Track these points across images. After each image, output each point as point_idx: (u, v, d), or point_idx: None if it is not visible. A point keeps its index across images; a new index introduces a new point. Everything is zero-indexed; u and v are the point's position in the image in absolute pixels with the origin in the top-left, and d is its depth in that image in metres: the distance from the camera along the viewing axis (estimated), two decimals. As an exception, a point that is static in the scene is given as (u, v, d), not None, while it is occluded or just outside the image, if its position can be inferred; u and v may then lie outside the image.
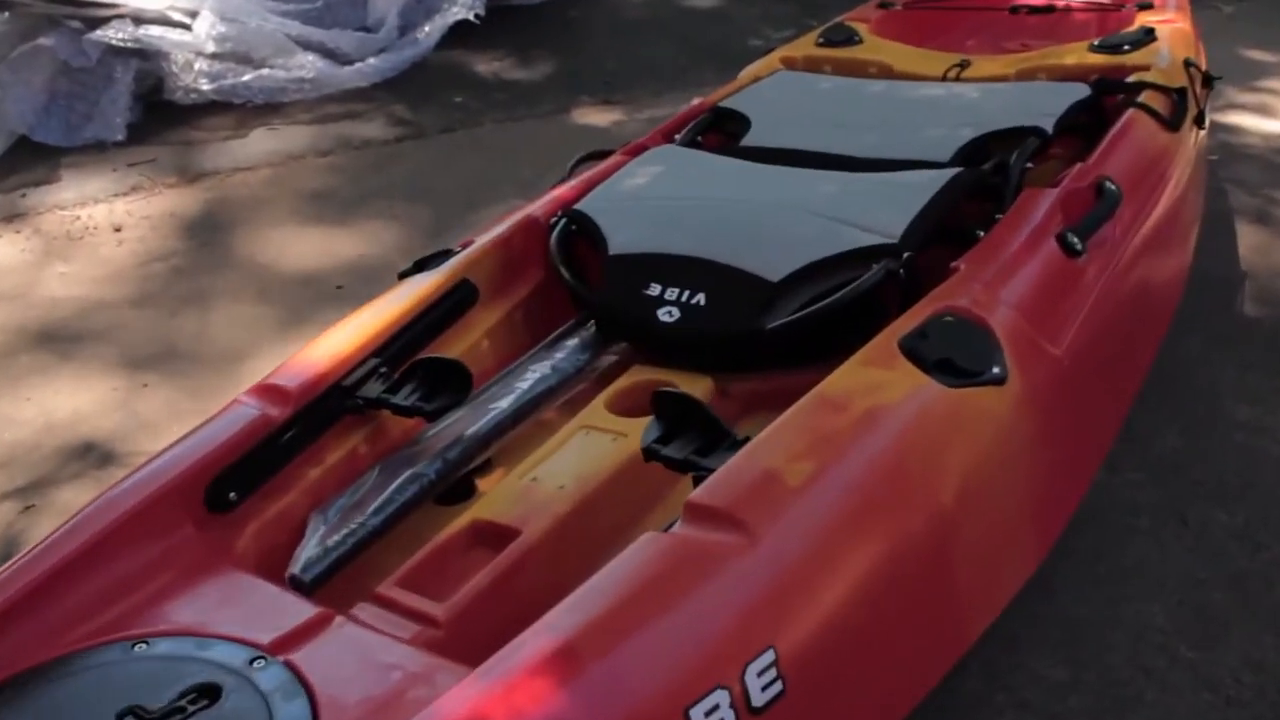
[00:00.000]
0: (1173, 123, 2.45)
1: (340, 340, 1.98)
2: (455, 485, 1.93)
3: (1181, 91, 2.53)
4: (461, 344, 2.14)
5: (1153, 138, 2.39)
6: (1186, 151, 2.48)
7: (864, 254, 1.91)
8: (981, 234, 2.05)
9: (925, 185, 2.06)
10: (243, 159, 3.90)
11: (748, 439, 1.51)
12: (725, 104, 2.75)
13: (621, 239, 2.14)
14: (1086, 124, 2.52)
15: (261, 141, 4.00)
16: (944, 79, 2.90)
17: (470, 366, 2.15)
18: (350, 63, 4.30)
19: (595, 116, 4.16)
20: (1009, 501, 1.64)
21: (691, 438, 1.58)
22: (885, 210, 1.99)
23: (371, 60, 4.29)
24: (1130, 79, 2.61)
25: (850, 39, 3.22)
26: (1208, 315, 2.79)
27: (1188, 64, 2.70)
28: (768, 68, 3.10)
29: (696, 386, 1.95)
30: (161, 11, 4.02)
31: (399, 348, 2.01)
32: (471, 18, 4.43)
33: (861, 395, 1.51)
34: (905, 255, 1.87)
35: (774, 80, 2.92)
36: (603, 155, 2.66)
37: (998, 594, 1.65)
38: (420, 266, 2.23)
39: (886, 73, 3.02)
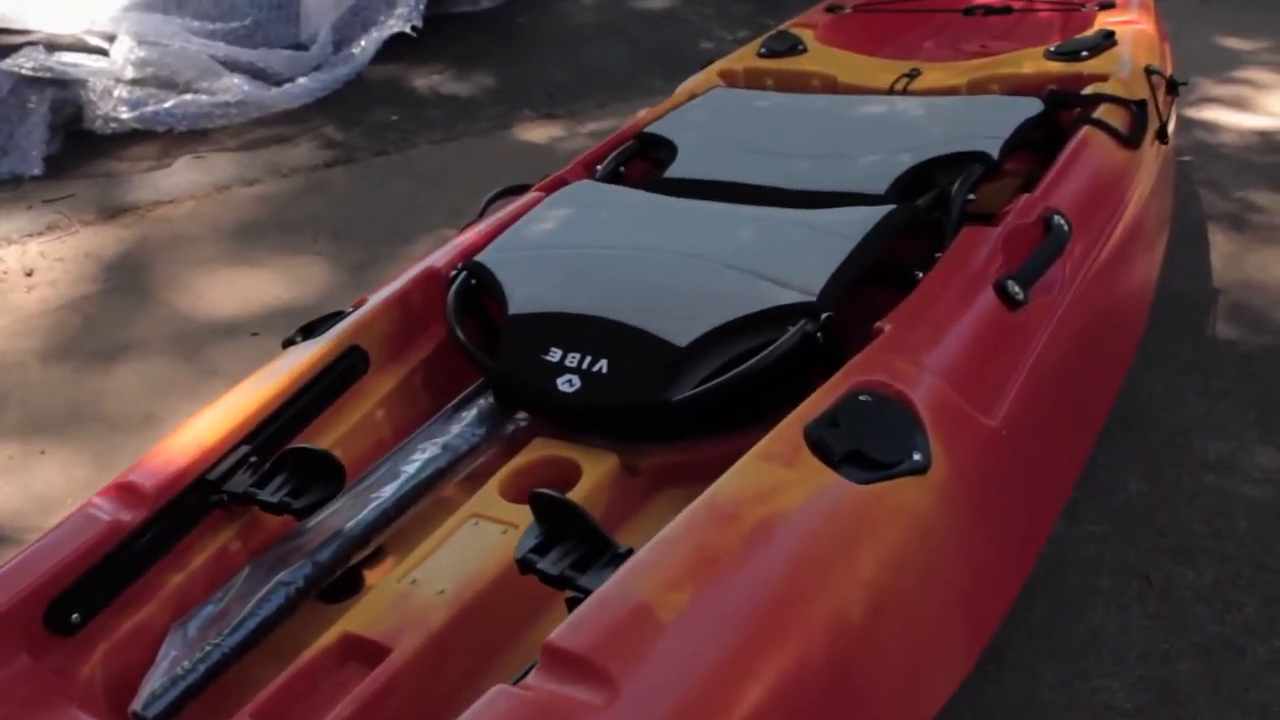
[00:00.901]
0: (1131, 139, 2.25)
1: (208, 426, 1.80)
2: (340, 578, 1.75)
3: (1141, 104, 2.34)
4: (351, 417, 1.95)
5: (1109, 158, 2.20)
6: (1147, 170, 2.28)
7: (778, 314, 1.72)
8: (920, 275, 1.87)
9: (851, 228, 1.87)
10: (165, 191, 3.71)
11: (630, 552, 1.33)
12: (652, 129, 2.55)
13: (522, 296, 1.96)
14: (1040, 139, 2.33)
15: (186, 171, 3.80)
16: (891, 91, 2.70)
17: (363, 440, 1.97)
18: (281, 83, 4.10)
19: (536, 132, 3.96)
20: (934, 604, 1.46)
21: (570, 548, 1.40)
22: (805, 260, 1.80)
23: (302, 80, 4.09)
24: (1087, 90, 2.42)
25: (794, 48, 3.02)
26: (1175, 341, 2.61)
27: (1149, 71, 2.50)
28: (704, 84, 2.91)
29: (601, 464, 1.77)
30: (77, 36, 3.82)
31: (274, 432, 1.82)
32: (409, 30, 4.23)
33: (755, 502, 1.32)
34: (823, 316, 1.69)
35: (708, 99, 2.72)
36: (519, 190, 2.48)
37: (924, 707, 1.47)
38: (308, 332, 2.05)
39: (830, 86, 2.82)
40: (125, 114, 3.83)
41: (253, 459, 1.76)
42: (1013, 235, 1.86)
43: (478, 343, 1.99)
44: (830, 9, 3.40)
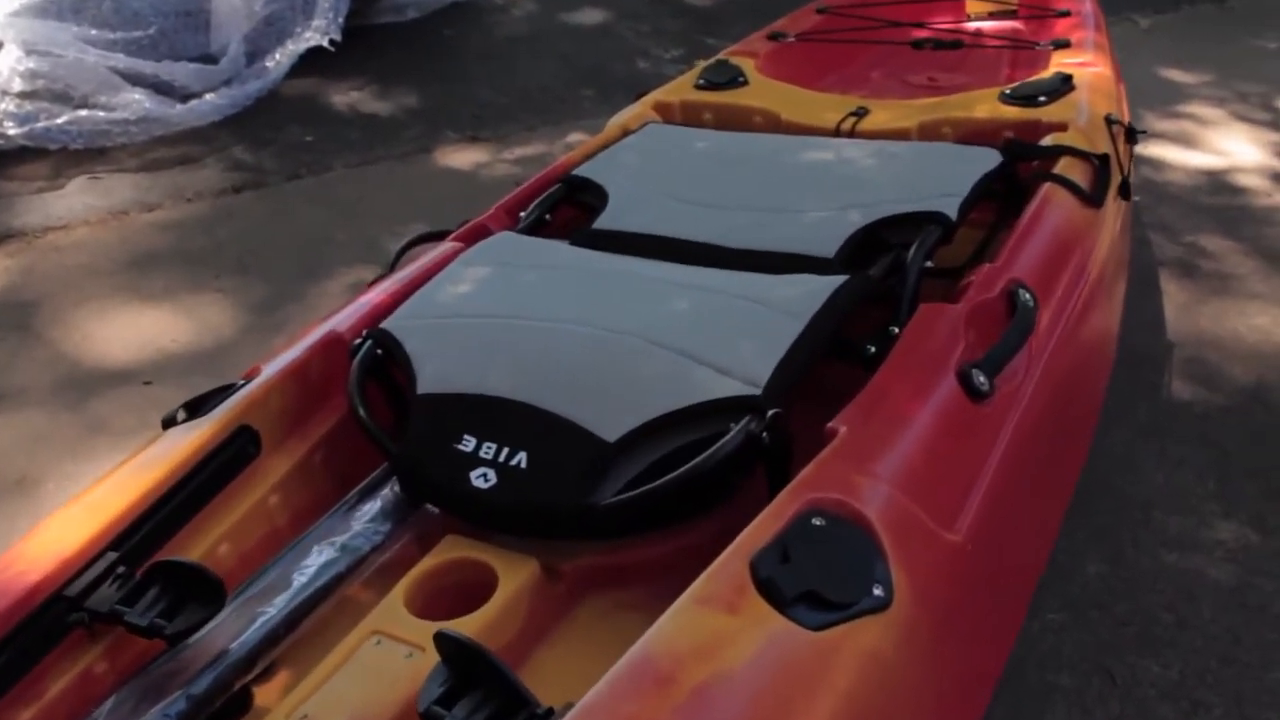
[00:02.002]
0: (1094, 198, 2.11)
1: (68, 528, 1.56)
2: (229, 700, 1.53)
3: (1104, 159, 2.20)
4: (241, 506, 1.73)
5: (1071, 219, 2.05)
6: (1109, 229, 2.15)
7: (718, 408, 1.54)
8: (872, 349, 1.70)
9: (800, 304, 1.69)
10: (57, 215, 3.42)
11: (550, 713, 1.14)
12: (581, 171, 2.35)
13: (432, 372, 1.75)
14: (997, 189, 2.19)
15: (80, 194, 3.52)
16: (837, 131, 2.54)
17: (255, 530, 1.75)
18: (188, 98, 3.83)
19: (459, 156, 3.74)
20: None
21: (482, 700, 1.21)
22: (748, 343, 1.62)
23: (209, 96, 3.82)
24: (1046, 140, 2.28)
25: (734, 80, 2.85)
26: (1131, 400, 2.49)
27: (1110, 121, 2.37)
28: (638, 118, 2.72)
29: (520, 569, 1.57)
30: (-41, 45, 3.53)
31: (148, 532, 1.60)
32: (326, 44, 3.98)
33: (695, 659, 1.13)
34: (769, 414, 1.51)
35: (642, 137, 2.53)
36: (437, 237, 2.27)
37: None
38: (194, 409, 1.82)
39: (773, 123, 2.65)
40: (13, 130, 3.54)
41: (120, 569, 1.53)
42: (975, 313, 1.70)
43: (385, 421, 1.78)
44: (772, 36, 3.23)
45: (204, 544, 1.68)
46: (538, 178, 2.44)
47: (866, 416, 1.48)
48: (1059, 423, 1.86)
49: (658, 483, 1.50)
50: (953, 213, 1.95)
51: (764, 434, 1.50)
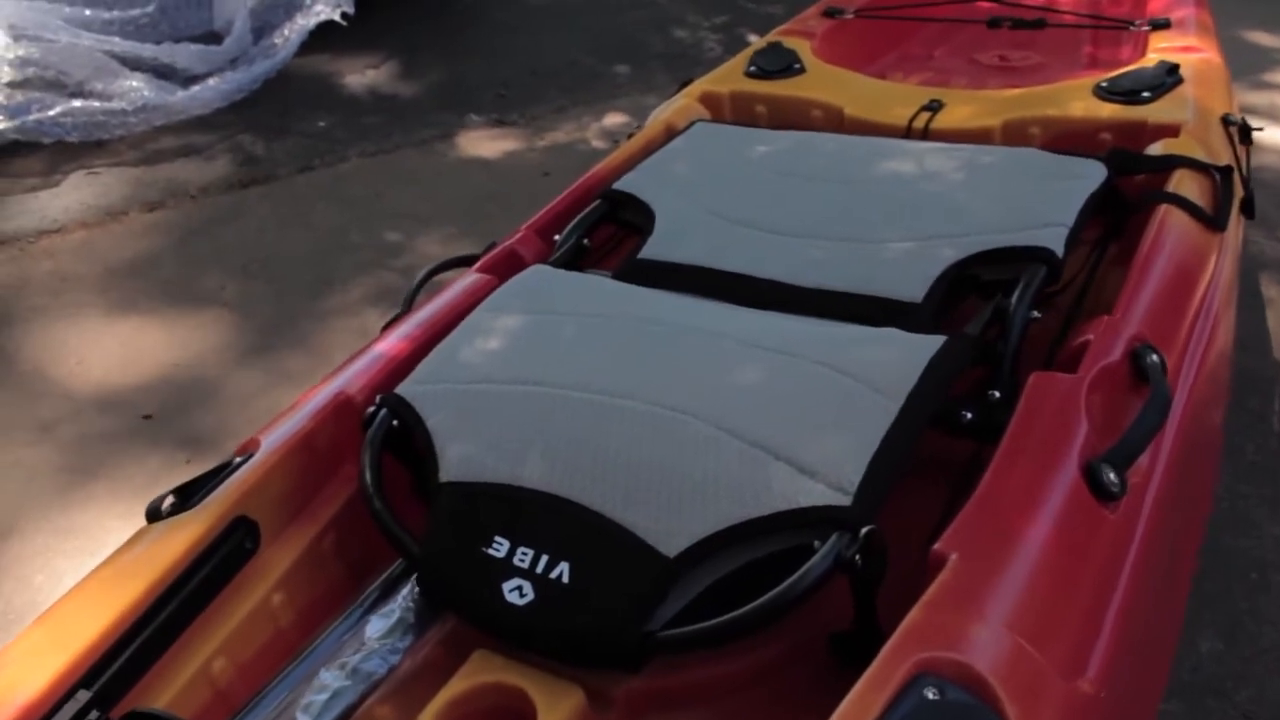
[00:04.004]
0: (1217, 219, 1.81)
1: (35, 661, 1.32)
2: None
3: (1226, 172, 1.90)
4: (238, 613, 1.48)
5: (1193, 251, 1.75)
6: (1232, 257, 1.85)
7: (801, 520, 1.28)
8: (968, 415, 1.44)
9: (892, 378, 1.41)
10: (51, 217, 3.17)
11: None
12: (623, 185, 2.06)
13: (457, 455, 1.48)
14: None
15: (77, 190, 3.26)
16: (909, 131, 2.24)
17: (258, 635, 1.51)
18: (191, 81, 3.56)
19: (485, 144, 3.44)
20: None
21: None
22: (833, 434, 1.34)
23: (212, 80, 3.53)
24: (1155, 148, 1.97)
25: (789, 66, 2.54)
26: (1235, 440, 2.19)
27: (1227, 121, 2.06)
28: (683, 113, 2.42)
29: (563, 699, 1.32)
30: (-57, 32, 3.26)
31: (126, 663, 1.36)
32: (338, 17, 3.68)
33: None
34: (863, 532, 1.24)
35: (689, 140, 2.23)
36: (462, 263, 2.01)
37: None
38: (184, 495, 1.57)
39: (835, 119, 2.35)
40: (2, 123, 3.28)
41: (94, 713, 1.30)
42: (1098, 386, 1.42)
43: (403, 502, 1.53)
44: (828, 13, 2.90)
45: (195, 662, 1.44)
46: (573, 189, 2.15)
47: (978, 537, 1.21)
48: (1187, 506, 1.59)
49: (727, 618, 1.24)
50: (1059, 247, 1.66)
51: (856, 556, 1.23)
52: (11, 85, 3.29)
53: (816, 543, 1.24)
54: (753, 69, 2.55)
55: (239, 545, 1.50)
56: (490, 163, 3.32)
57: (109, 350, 2.67)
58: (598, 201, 2.05)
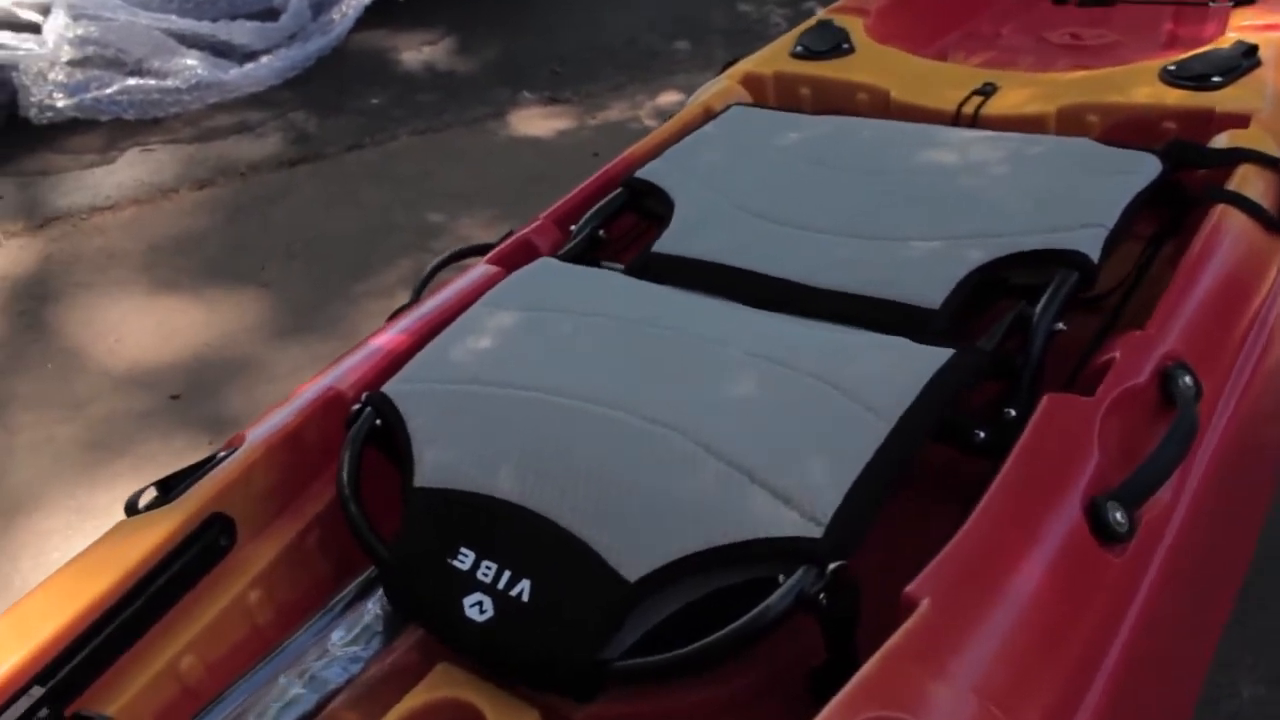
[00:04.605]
0: None
1: (-7, 653, 1.30)
2: None
3: None
4: (211, 609, 1.44)
5: (1249, 256, 1.58)
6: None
7: (767, 550, 1.17)
8: (981, 435, 1.32)
9: (886, 395, 1.28)
10: (104, 194, 3.19)
11: None
12: (645, 174, 1.96)
13: (434, 460, 1.42)
14: (1158, 199, 1.74)
15: (131, 168, 3.28)
16: (957, 117, 2.09)
17: (232, 632, 1.47)
18: (251, 57, 3.55)
19: (537, 123, 3.37)
20: None
21: None
22: (817, 457, 1.23)
23: (266, 58, 3.52)
24: (1220, 140, 1.79)
25: (838, 46, 2.39)
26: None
27: None
28: (722, 96, 2.30)
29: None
30: (7, 10, 3.29)
31: (82, 662, 1.32)
32: (395, -7, 3.64)
33: None
34: (830, 568, 1.13)
35: (722, 125, 2.11)
36: (477, 252, 1.94)
37: None
38: (166, 489, 1.53)
39: (882, 103, 2.20)
40: (61, 101, 3.31)
41: (43, 713, 1.27)
42: (1116, 411, 1.27)
43: (391, 504, 1.47)
44: (887, -12, 2.73)
45: (162, 659, 1.40)
46: (597, 176, 2.06)
47: (956, 580, 1.09)
48: (1220, 547, 1.43)
49: (679, 654, 1.15)
50: (1095, 251, 1.50)
51: (820, 595, 1.12)
52: (71, 64, 3.32)
53: (781, 576, 1.14)
54: (799, 49, 2.41)
55: (214, 542, 1.45)
56: (541, 142, 3.24)
57: (146, 328, 2.67)
58: (619, 190, 1.95)
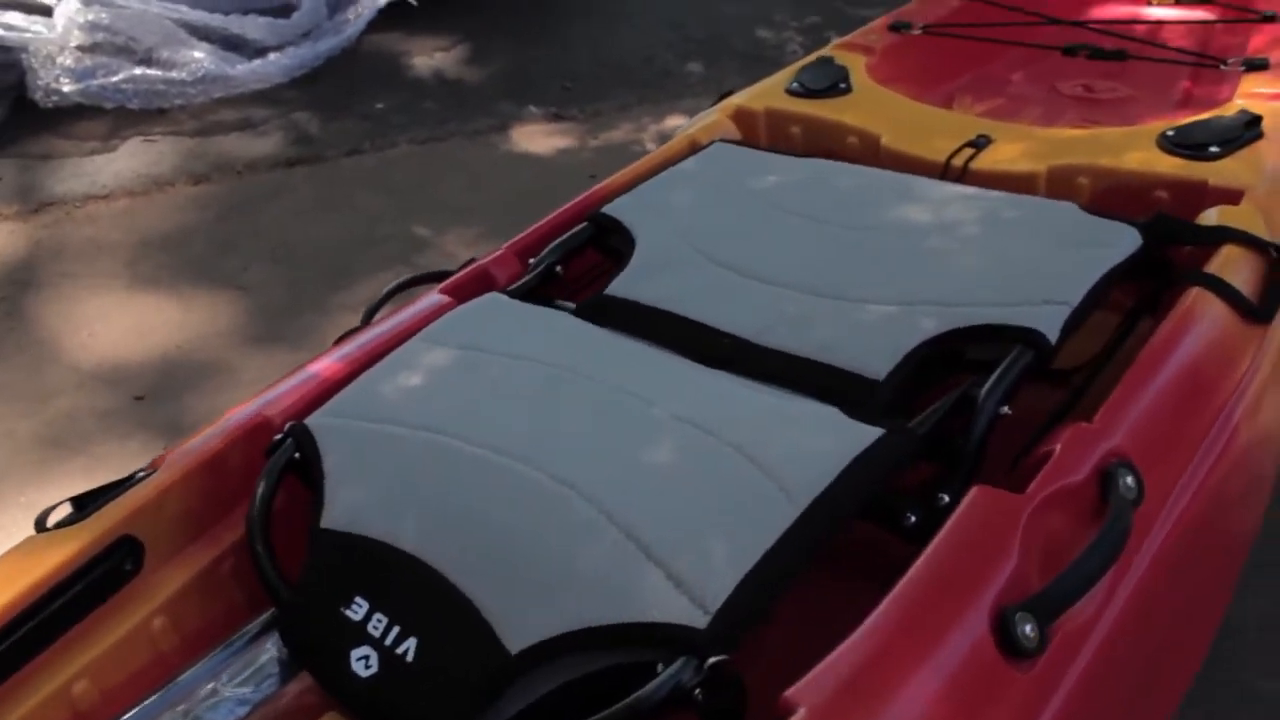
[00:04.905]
0: (1262, 310, 1.55)
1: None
2: None
3: None
4: (111, 635, 1.40)
5: (1220, 346, 1.49)
6: (1275, 354, 1.59)
7: (651, 635, 1.11)
8: (912, 519, 1.25)
9: (801, 474, 1.23)
10: (101, 182, 3.18)
11: None
12: (612, 209, 1.91)
13: (344, 502, 1.37)
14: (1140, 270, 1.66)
15: (131, 157, 3.27)
16: (946, 169, 2.01)
17: (131, 660, 1.43)
18: (260, 53, 3.53)
19: (539, 139, 3.32)
20: None
21: None
22: (719, 538, 1.17)
23: (273, 56, 3.49)
24: (1209, 215, 1.71)
25: (835, 85, 2.32)
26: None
27: None
28: (710, 130, 2.24)
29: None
30: (20, -9, 3.30)
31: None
32: (410, -2, 3.61)
33: None
34: (709, 662, 1.07)
35: (701, 162, 2.06)
36: (435, 278, 1.90)
37: None
38: (78, 507, 1.49)
39: (871, 148, 2.14)
40: (67, 86, 3.30)
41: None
42: (1051, 509, 1.20)
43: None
44: (895, 27, 2.66)
45: (54, 682, 1.36)
46: (566, 208, 2.00)
47: (840, 689, 1.01)
48: (1156, 658, 1.35)
49: None
50: (1053, 331, 1.43)
51: (697, 690, 1.06)
52: (80, 49, 3.32)
53: (661, 665, 1.08)
54: (795, 85, 2.34)
55: (119, 565, 1.42)
56: (540, 159, 3.20)
57: (122, 324, 2.65)
58: (583, 225, 1.90)
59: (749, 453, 1.27)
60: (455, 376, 1.52)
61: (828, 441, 1.27)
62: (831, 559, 1.25)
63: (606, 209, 1.90)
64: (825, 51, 2.53)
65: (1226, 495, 1.45)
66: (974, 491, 1.20)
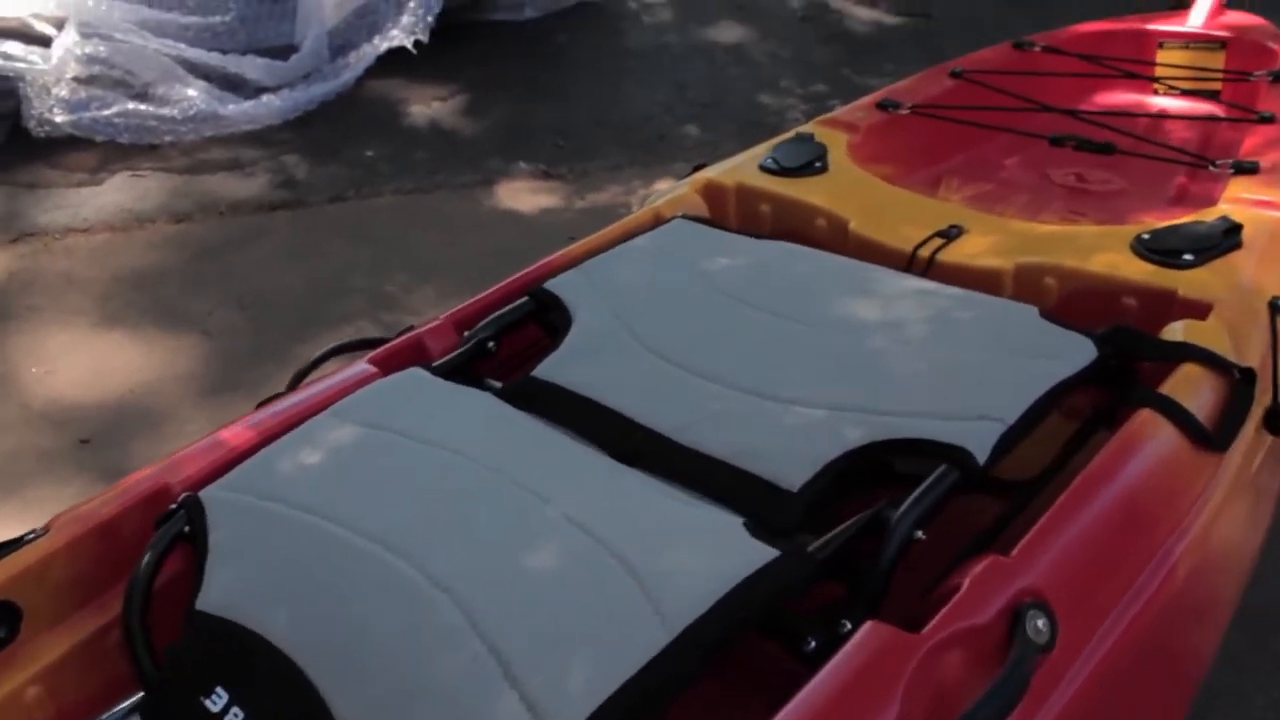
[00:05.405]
0: (1216, 437, 1.46)
1: None
2: None
3: (1247, 376, 1.54)
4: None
5: (1165, 474, 1.41)
6: (1234, 486, 1.49)
7: None
8: (812, 644, 1.17)
9: (682, 595, 1.15)
10: (84, 215, 3.17)
11: None
12: (554, 285, 1.85)
13: (223, 582, 1.31)
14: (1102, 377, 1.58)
15: (116, 192, 3.26)
16: (912, 260, 1.94)
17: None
18: (261, 92, 3.52)
19: (524, 196, 3.28)
20: None
21: None
22: (582, 662, 1.10)
23: (266, 97, 3.48)
24: (1174, 329, 1.62)
25: (811, 164, 2.25)
26: (1243, 681, 1.80)
27: (1276, 308, 1.69)
28: (676, 204, 2.18)
29: None
30: (22, 21, 3.30)
31: None
32: (409, 45, 3.58)
33: None
34: None
35: (657, 238, 1.99)
36: (369, 345, 1.84)
37: None
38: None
39: (840, 234, 2.07)
40: (60, 117, 3.30)
41: None
42: (947, 650, 1.12)
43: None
44: (883, 105, 2.59)
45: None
46: (513, 280, 1.94)
47: None
48: None
49: None
50: (982, 451, 1.34)
51: None
52: (77, 81, 3.32)
53: None
54: (769, 162, 2.28)
55: (-13, 633, 1.36)
56: (522, 218, 3.16)
57: (80, 363, 2.62)
58: (524, 299, 1.84)
59: (633, 567, 1.20)
60: (356, 458, 1.46)
61: (718, 561, 1.19)
62: (731, 666, 1.17)
63: (549, 284, 1.84)
64: (806, 127, 2.47)
65: (1163, 637, 1.36)
66: (866, 627, 1.12)
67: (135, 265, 2.97)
